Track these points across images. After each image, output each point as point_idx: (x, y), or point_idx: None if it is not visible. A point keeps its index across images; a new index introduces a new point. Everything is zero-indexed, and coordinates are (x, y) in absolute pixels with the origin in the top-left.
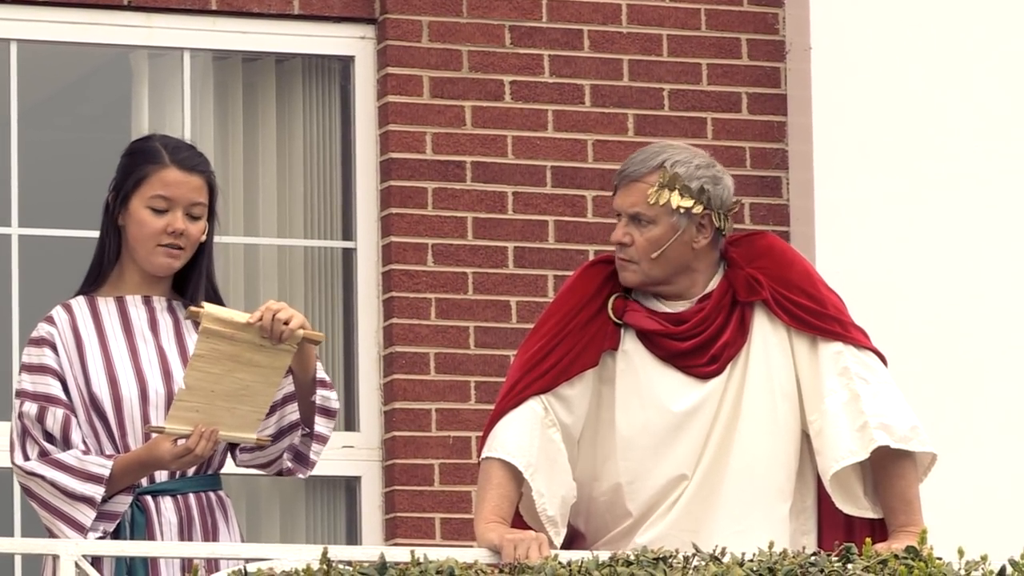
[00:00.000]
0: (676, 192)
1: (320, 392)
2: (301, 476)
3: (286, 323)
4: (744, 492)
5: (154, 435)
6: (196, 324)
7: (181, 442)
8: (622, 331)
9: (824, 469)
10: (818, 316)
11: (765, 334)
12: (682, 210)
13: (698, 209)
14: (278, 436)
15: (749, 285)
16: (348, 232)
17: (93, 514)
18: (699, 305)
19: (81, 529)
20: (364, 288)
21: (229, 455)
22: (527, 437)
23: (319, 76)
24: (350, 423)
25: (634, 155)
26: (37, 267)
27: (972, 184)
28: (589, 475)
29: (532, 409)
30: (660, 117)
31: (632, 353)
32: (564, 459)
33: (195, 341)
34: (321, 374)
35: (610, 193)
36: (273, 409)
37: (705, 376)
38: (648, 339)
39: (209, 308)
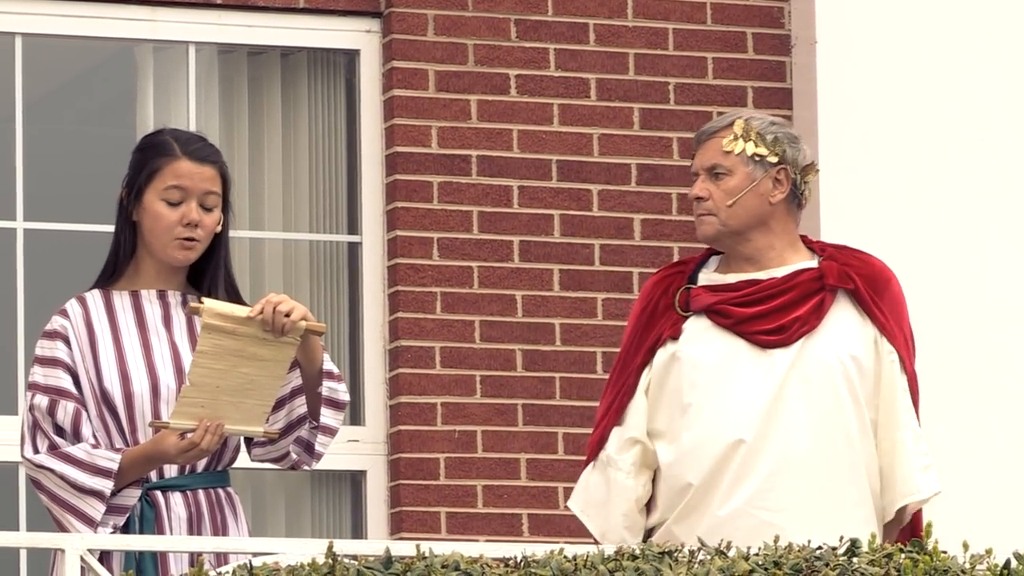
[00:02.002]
0: (751, 142)
1: (327, 384)
2: (307, 468)
3: (287, 315)
4: (818, 471)
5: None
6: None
7: (188, 436)
8: (689, 318)
9: (892, 498)
10: (905, 343)
11: (849, 325)
12: (757, 158)
13: (773, 159)
14: (287, 430)
15: (842, 274)
16: (353, 226)
17: (103, 508)
18: (778, 278)
19: (91, 523)
20: (369, 282)
21: (244, 449)
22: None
23: (324, 70)
24: (355, 417)
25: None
26: (42, 261)
27: (977, 178)
28: (662, 458)
29: (629, 493)
30: (665, 111)
31: (698, 331)
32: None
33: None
34: (329, 365)
35: (615, 187)
36: (282, 403)
37: (768, 345)
38: (715, 313)
39: (209, 303)
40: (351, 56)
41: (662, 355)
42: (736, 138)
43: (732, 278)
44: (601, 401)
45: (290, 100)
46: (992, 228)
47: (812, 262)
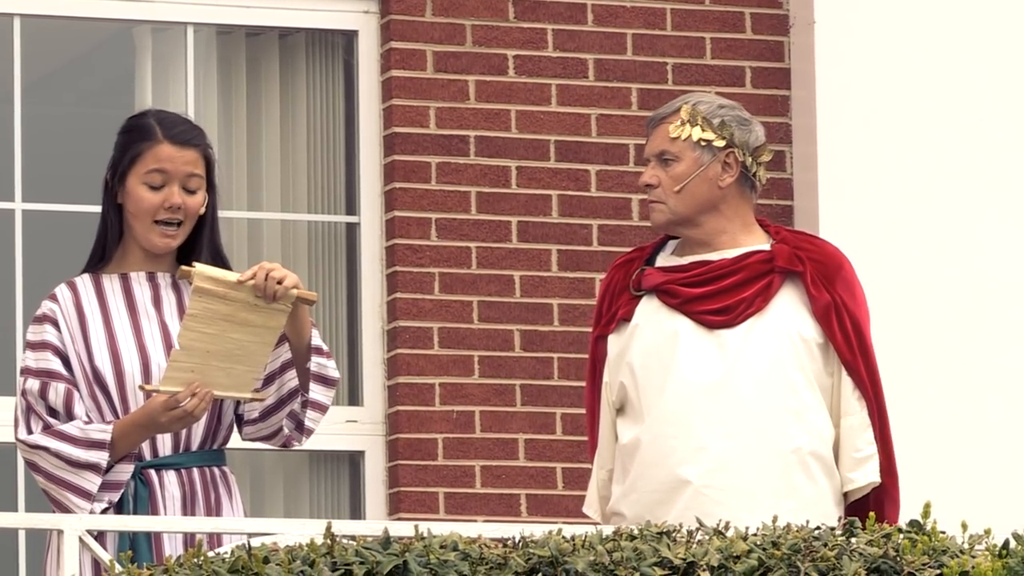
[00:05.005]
0: (698, 127)
1: (316, 359)
2: (297, 444)
3: (280, 282)
4: (765, 452)
5: (152, 396)
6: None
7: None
8: (642, 299)
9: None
10: (852, 347)
11: (800, 307)
12: (703, 143)
13: (720, 143)
14: (279, 404)
15: (792, 257)
16: (352, 207)
17: (99, 480)
18: (728, 259)
19: (88, 496)
20: (368, 263)
21: (236, 430)
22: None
23: (323, 50)
24: (354, 398)
25: None
26: (41, 242)
27: (977, 156)
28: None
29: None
30: (664, 91)
31: (648, 311)
32: None
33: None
34: (317, 341)
35: (613, 167)
36: (272, 378)
37: (714, 325)
38: (664, 293)
39: (201, 267)
40: (349, 37)
41: (615, 340)
42: (683, 123)
43: (686, 260)
44: (585, 391)
45: (288, 81)
46: (991, 208)
47: (765, 245)
